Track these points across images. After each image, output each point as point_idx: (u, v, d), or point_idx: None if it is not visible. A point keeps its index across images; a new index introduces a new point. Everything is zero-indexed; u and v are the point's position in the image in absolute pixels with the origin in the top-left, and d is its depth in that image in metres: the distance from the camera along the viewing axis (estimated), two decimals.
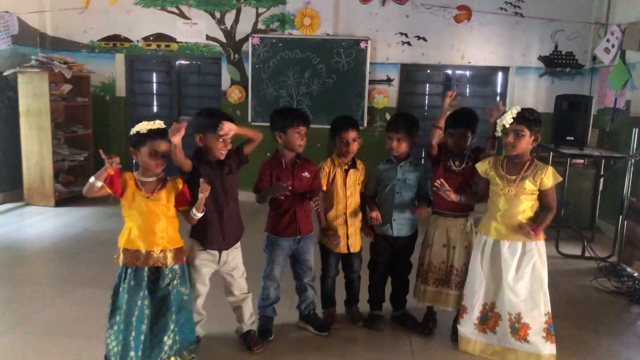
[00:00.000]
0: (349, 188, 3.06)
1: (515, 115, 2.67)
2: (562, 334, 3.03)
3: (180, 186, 2.50)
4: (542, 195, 2.74)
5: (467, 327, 2.88)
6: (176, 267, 2.48)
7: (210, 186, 2.53)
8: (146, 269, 2.41)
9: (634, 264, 4.27)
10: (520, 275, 2.74)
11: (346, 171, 3.07)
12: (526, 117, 2.67)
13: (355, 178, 3.09)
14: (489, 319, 2.83)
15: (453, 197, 2.79)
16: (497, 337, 2.82)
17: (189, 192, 2.54)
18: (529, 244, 2.74)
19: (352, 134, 3.01)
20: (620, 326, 3.33)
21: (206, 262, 2.71)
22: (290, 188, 2.81)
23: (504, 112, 2.80)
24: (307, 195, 2.90)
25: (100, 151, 2.30)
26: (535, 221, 2.74)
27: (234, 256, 2.79)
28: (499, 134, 2.76)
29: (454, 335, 3.00)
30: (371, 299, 3.24)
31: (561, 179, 2.76)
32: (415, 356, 2.86)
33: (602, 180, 5.12)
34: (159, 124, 2.43)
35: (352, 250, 3.10)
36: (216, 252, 2.71)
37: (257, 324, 2.96)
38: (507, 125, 2.68)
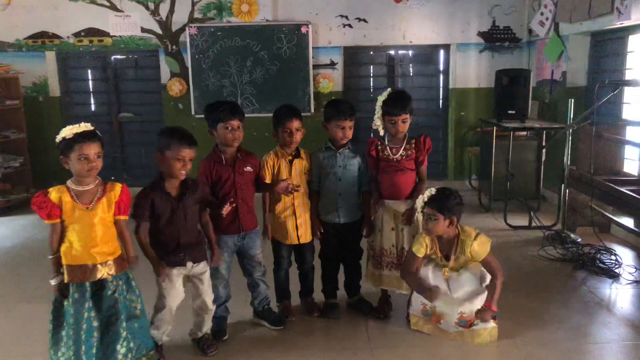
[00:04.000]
0: (294, 179, 3.00)
1: (426, 200, 2.66)
2: (512, 305, 3.11)
3: (119, 192, 2.36)
4: (482, 264, 2.75)
5: (416, 307, 2.92)
6: (120, 275, 2.38)
7: (166, 215, 2.55)
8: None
9: (577, 230, 4.43)
10: (463, 283, 2.79)
11: (290, 162, 3.01)
12: (437, 201, 2.65)
13: (301, 167, 3.04)
14: (431, 315, 2.88)
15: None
16: (442, 326, 2.87)
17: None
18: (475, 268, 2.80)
19: (295, 124, 2.94)
20: (567, 292, 3.44)
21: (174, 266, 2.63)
22: (234, 206, 2.75)
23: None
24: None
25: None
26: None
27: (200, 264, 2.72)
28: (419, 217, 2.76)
29: (409, 317, 3.03)
30: (325, 288, 3.23)
31: (490, 242, 2.73)
32: (372, 341, 2.87)
33: (544, 150, 5.26)
34: (85, 126, 2.28)
35: (302, 240, 3.06)
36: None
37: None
38: (419, 210, 2.69)
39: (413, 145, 2.98)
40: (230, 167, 2.81)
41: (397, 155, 2.97)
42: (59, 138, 2.27)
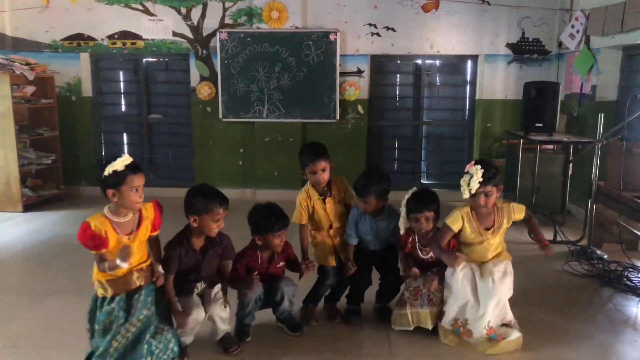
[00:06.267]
0: (330, 213, 3.08)
1: (481, 179, 2.71)
2: (535, 320, 3.09)
3: (152, 213, 2.44)
4: (525, 218, 2.95)
5: (447, 321, 2.93)
6: (150, 285, 2.46)
7: (189, 266, 2.65)
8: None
9: (603, 247, 4.37)
10: (498, 287, 2.80)
11: (323, 199, 3.07)
12: (489, 177, 2.73)
13: (334, 201, 3.09)
14: (461, 334, 2.89)
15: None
16: (471, 340, 2.88)
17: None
18: (500, 261, 2.87)
19: (321, 165, 2.97)
20: (592, 309, 3.40)
21: None
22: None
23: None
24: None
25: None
26: (504, 249, 2.94)
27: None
28: (466, 195, 2.78)
29: (439, 330, 3.02)
30: (350, 295, 3.24)
31: (524, 208, 2.93)
32: (394, 349, 2.87)
33: (571, 165, 5.20)
34: (128, 158, 2.30)
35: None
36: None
37: (233, 325, 2.94)
38: (473, 191, 2.73)
39: None
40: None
41: (427, 257, 3.02)
42: (108, 171, 2.24)
